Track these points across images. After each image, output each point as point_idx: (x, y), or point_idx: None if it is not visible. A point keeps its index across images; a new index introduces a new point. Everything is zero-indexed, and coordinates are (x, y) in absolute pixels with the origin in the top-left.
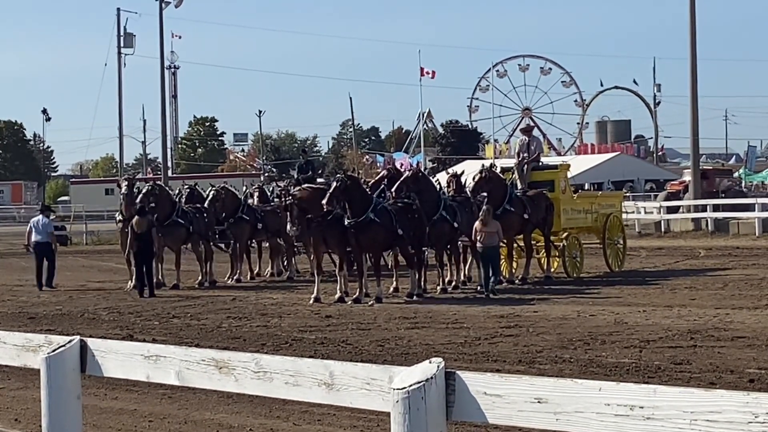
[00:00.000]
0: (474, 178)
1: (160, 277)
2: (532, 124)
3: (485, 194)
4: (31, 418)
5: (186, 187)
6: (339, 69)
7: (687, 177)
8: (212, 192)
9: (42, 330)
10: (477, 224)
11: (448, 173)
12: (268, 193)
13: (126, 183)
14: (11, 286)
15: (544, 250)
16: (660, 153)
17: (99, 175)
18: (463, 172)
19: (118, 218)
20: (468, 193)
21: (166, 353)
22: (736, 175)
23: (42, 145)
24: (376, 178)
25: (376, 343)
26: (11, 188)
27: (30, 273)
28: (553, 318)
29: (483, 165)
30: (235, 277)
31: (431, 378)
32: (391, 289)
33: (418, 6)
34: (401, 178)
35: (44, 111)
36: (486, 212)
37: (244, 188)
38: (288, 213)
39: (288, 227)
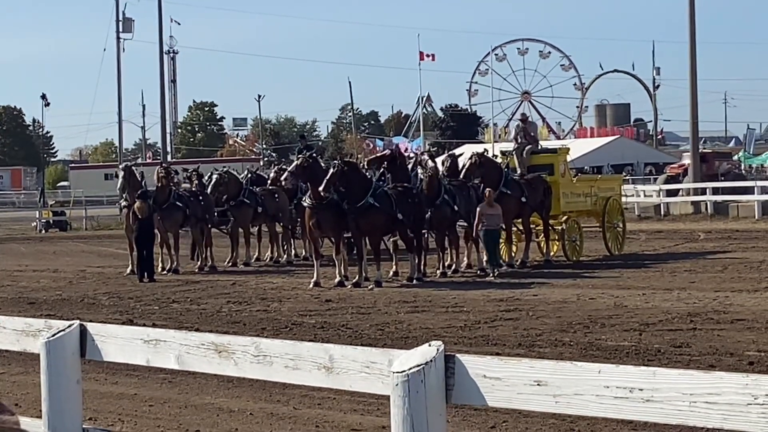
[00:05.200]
0: (465, 164)
1: (160, 261)
2: (528, 113)
3: (478, 180)
4: (31, 402)
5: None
6: (338, 53)
7: (686, 160)
8: (215, 176)
9: (42, 315)
10: (482, 207)
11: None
12: (266, 178)
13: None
14: (11, 271)
15: (543, 234)
16: (659, 136)
17: (98, 161)
18: (461, 155)
19: (123, 204)
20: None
21: (165, 337)
22: (735, 158)
23: (41, 130)
24: (377, 155)
25: (375, 327)
26: (11, 174)
27: (28, 259)
28: (553, 301)
29: (474, 152)
30: (243, 260)
31: (431, 361)
32: (391, 273)
33: None
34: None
35: (43, 96)
36: (490, 194)
37: (245, 172)
38: (297, 166)
39: (285, 174)
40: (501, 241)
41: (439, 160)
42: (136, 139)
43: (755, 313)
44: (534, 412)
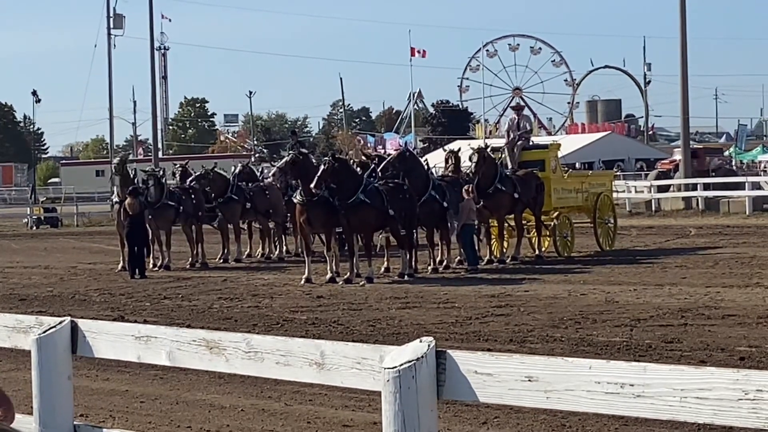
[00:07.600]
0: (471, 159)
1: (151, 258)
2: (522, 103)
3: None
4: (22, 399)
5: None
6: (329, 49)
7: (677, 156)
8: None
9: (33, 311)
10: (467, 203)
11: (445, 150)
12: (258, 173)
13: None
14: (2, 267)
15: (534, 230)
16: (650, 132)
17: (89, 157)
18: (459, 149)
19: (114, 200)
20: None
21: (157, 334)
22: (726, 153)
23: (32, 126)
24: (363, 160)
25: (367, 323)
26: (1, 170)
27: (19, 255)
28: (544, 297)
29: (471, 145)
30: (234, 257)
31: (422, 357)
32: (382, 269)
33: None
34: (388, 158)
35: (34, 93)
36: (471, 190)
37: (233, 168)
38: (286, 163)
39: (274, 171)
40: (494, 237)
41: (433, 155)
42: (127, 135)
43: (746, 309)
44: (525, 407)
